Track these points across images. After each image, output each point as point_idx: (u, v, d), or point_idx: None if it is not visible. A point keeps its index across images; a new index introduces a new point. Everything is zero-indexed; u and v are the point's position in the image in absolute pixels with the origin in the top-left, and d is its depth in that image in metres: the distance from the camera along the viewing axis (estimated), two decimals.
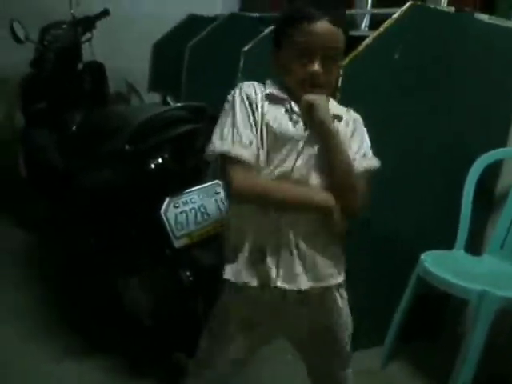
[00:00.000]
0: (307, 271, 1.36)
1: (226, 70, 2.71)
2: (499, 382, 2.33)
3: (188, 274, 1.95)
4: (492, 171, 2.52)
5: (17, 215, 3.35)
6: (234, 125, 1.31)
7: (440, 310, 2.63)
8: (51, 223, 3.04)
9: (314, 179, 1.34)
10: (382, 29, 2.10)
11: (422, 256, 2.26)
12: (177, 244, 1.94)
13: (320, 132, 1.32)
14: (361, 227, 2.21)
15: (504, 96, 2.53)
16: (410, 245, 2.34)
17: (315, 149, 1.33)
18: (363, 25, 2.83)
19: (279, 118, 1.32)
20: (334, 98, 1.44)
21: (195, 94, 3.00)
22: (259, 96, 1.34)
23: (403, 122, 2.27)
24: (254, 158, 1.30)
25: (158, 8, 3.92)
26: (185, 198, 1.99)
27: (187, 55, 3.34)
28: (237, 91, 1.35)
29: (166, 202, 1.95)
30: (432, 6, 2.27)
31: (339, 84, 1.97)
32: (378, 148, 1.44)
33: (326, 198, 1.32)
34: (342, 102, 1.44)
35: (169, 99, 3.05)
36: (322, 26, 1.28)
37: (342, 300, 1.46)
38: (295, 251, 1.34)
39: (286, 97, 1.34)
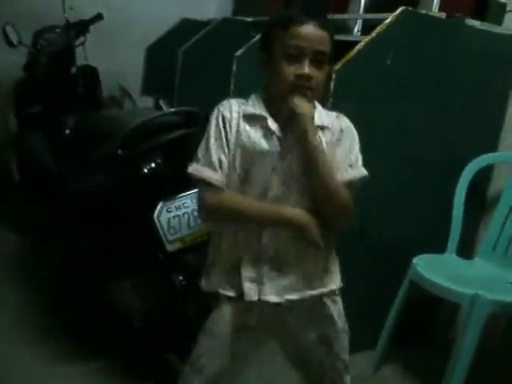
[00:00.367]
0: (288, 283, 1.38)
1: (219, 74, 2.71)
2: None
3: (181, 277, 1.95)
4: (483, 176, 2.54)
5: (11, 219, 3.34)
6: (207, 148, 1.35)
7: (432, 313, 2.64)
8: (45, 227, 3.03)
9: (294, 195, 1.35)
10: (374, 34, 2.11)
11: (414, 260, 2.27)
12: (170, 248, 1.95)
13: (300, 142, 1.32)
14: (353, 232, 2.22)
15: (495, 101, 2.55)
16: (402, 249, 2.35)
17: (292, 164, 1.34)
18: (356, 30, 2.84)
19: (254, 136, 1.34)
20: (323, 103, 1.44)
21: (188, 99, 2.99)
22: (235, 116, 1.36)
23: (395, 127, 2.28)
24: (223, 180, 1.34)
25: (152, 12, 3.92)
26: (178, 202, 1.99)
27: (180, 59, 3.34)
28: (215, 112, 1.38)
29: (158, 207, 1.95)
30: (423, 12, 2.29)
31: (331, 89, 1.98)
32: (369, 153, 1.45)
33: (297, 215, 1.33)
34: (334, 107, 1.45)
35: (161, 103, 3.06)
36: (310, 29, 1.29)
37: (334, 307, 1.47)
38: (275, 264, 1.37)
39: (263, 114, 1.35)
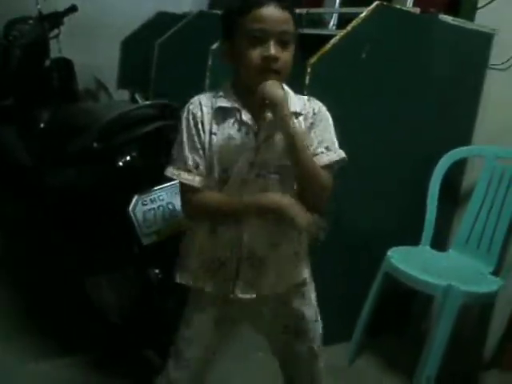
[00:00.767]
0: (264, 280, 1.40)
1: (195, 67, 2.71)
2: (463, 375, 2.38)
3: (157, 271, 1.95)
4: (457, 169, 2.57)
5: None
6: (180, 149, 1.36)
7: (406, 305, 2.67)
8: (19, 222, 3.00)
9: (274, 186, 1.35)
10: (349, 28, 2.13)
11: (389, 252, 2.30)
12: (145, 241, 1.94)
13: (280, 130, 1.31)
14: (327, 224, 2.23)
15: (468, 95, 2.59)
16: (376, 241, 2.37)
17: (267, 156, 1.34)
18: (331, 24, 2.85)
19: (228, 131, 1.33)
20: (295, 88, 1.43)
21: (164, 92, 2.98)
22: (206, 112, 1.35)
23: (370, 120, 2.30)
24: (200, 180, 1.34)
25: (127, 4, 3.88)
26: (153, 195, 1.98)
27: (156, 52, 3.32)
28: (185, 111, 1.37)
29: (134, 200, 1.94)
30: (398, 7, 2.31)
31: (306, 83, 1.99)
32: (343, 146, 1.45)
33: (274, 199, 1.33)
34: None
35: (137, 96, 3.04)
36: (271, 10, 1.28)
37: (303, 300, 1.49)
38: (253, 261, 1.37)
39: (235, 105, 1.34)
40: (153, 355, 2.11)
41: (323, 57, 2.07)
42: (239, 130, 1.33)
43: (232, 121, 1.34)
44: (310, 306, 1.50)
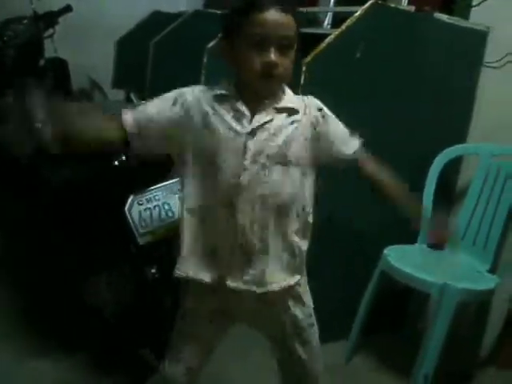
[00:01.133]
0: (258, 274, 1.37)
1: (191, 66, 2.70)
2: (460, 373, 2.38)
3: (153, 270, 1.94)
4: (452, 167, 2.57)
5: None
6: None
7: (403, 303, 2.68)
8: (15, 221, 2.99)
9: (272, 168, 1.33)
10: (343, 27, 2.13)
11: (385, 251, 2.30)
12: (141, 241, 1.93)
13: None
14: (323, 222, 2.23)
15: (463, 94, 2.59)
16: (373, 239, 2.38)
17: (265, 145, 1.32)
18: (326, 22, 2.86)
19: (222, 117, 1.32)
20: (291, 87, 1.42)
21: (159, 91, 2.96)
22: (199, 97, 1.34)
23: (365, 119, 2.29)
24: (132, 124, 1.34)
25: (122, 4, 3.88)
26: (149, 195, 1.98)
27: (151, 52, 3.32)
28: (176, 91, 1.38)
29: (129, 200, 1.94)
30: (393, 5, 2.31)
31: (301, 82, 1.99)
32: None
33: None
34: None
35: (132, 96, 3.03)
36: (273, 14, 1.25)
37: (300, 301, 1.48)
38: (250, 253, 1.35)
39: (233, 95, 1.33)
40: (149, 354, 2.11)
41: (318, 56, 2.07)
42: (234, 117, 1.32)
43: (227, 107, 1.33)
44: (306, 309, 1.49)
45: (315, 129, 1.38)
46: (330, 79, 2.14)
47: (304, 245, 1.43)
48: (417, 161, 2.49)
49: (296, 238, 1.41)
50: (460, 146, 2.56)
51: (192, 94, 1.35)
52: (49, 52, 3.15)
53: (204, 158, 1.33)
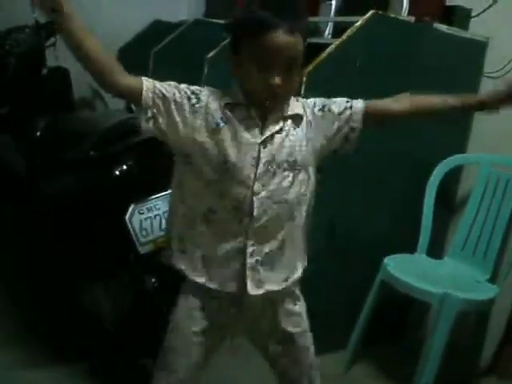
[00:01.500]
0: (268, 275, 1.37)
1: (191, 76, 2.70)
2: (460, 382, 2.38)
3: (153, 280, 1.94)
4: (452, 177, 2.58)
5: None
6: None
7: (403, 313, 2.68)
8: (15, 230, 2.99)
9: (282, 175, 1.33)
10: (344, 37, 2.14)
11: (385, 260, 2.30)
12: (142, 250, 1.94)
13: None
14: (325, 233, 2.24)
15: None
16: (373, 249, 2.38)
17: (276, 153, 1.32)
18: (327, 32, 2.87)
19: (234, 124, 1.30)
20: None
21: None
22: (213, 99, 1.32)
23: None
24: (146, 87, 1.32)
25: (123, 13, 3.89)
26: (149, 204, 1.98)
27: (152, 61, 3.32)
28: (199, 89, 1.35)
29: (130, 209, 1.94)
30: (393, 16, 2.32)
31: (301, 92, 2.00)
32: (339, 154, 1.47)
33: None
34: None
35: (133, 105, 3.03)
36: (282, 36, 1.23)
37: (297, 306, 1.47)
38: (251, 259, 1.35)
39: (244, 102, 1.32)
40: (148, 363, 2.10)
41: (319, 65, 2.08)
42: (246, 125, 1.31)
43: (239, 115, 1.31)
44: (302, 314, 1.49)
45: (311, 124, 1.39)
46: (330, 88, 2.14)
47: (304, 242, 1.45)
48: (417, 170, 2.49)
49: (300, 237, 1.43)
50: (460, 155, 2.57)
51: (206, 96, 1.34)
52: (50, 61, 3.15)
53: (213, 165, 1.31)
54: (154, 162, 2.03)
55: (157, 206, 1.99)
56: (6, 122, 3.01)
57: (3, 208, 3.00)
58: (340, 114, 1.42)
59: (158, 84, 1.35)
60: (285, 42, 1.24)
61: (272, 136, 1.32)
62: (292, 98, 1.39)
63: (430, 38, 2.38)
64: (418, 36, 2.35)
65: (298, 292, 1.49)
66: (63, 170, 2.18)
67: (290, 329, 1.47)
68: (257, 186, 1.31)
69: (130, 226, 1.93)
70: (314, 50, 2.13)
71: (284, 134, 1.34)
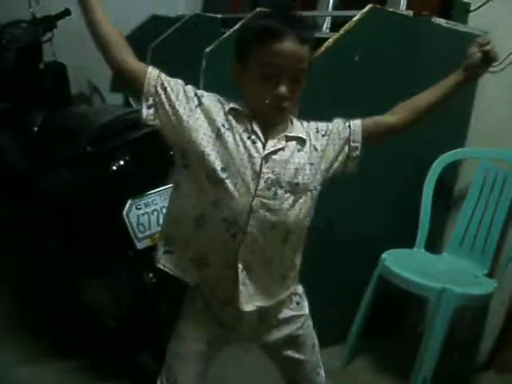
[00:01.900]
0: (263, 289, 1.36)
1: (189, 70, 2.69)
2: (458, 377, 2.38)
3: (151, 275, 1.94)
4: (451, 171, 2.58)
5: None
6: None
7: (401, 308, 2.68)
8: (12, 226, 2.99)
9: (283, 196, 1.30)
10: (342, 31, 2.13)
11: (383, 255, 2.30)
12: (139, 246, 1.93)
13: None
14: (323, 227, 2.24)
15: (461, 97, 2.58)
16: (371, 244, 2.38)
17: (276, 167, 1.28)
18: (324, 27, 2.86)
19: (237, 135, 1.27)
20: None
21: None
22: (216, 105, 1.29)
23: None
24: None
25: (120, 8, 3.85)
26: (147, 199, 1.98)
27: (150, 56, 3.31)
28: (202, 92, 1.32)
29: (127, 204, 1.94)
30: (391, 10, 2.31)
31: None
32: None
33: None
34: (300, 104, 1.42)
35: (131, 100, 3.03)
36: (290, 46, 1.21)
37: (298, 307, 1.47)
38: (245, 273, 1.33)
39: (248, 113, 1.29)
40: (147, 358, 2.10)
41: (316, 60, 2.06)
42: (249, 137, 1.28)
43: (242, 126, 1.28)
44: (305, 313, 1.49)
45: (316, 149, 1.37)
46: (328, 82, 2.14)
47: (299, 257, 1.44)
48: (415, 165, 2.49)
49: (297, 255, 1.42)
50: (458, 150, 2.57)
51: (210, 100, 1.30)
52: (47, 56, 3.15)
53: (211, 171, 1.27)
54: (152, 157, 2.03)
55: (154, 202, 1.99)
56: (3, 117, 3.00)
57: (1, 204, 3.00)
58: (339, 133, 1.42)
59: (163, 75, 1.32)
60: (295, 51, 1.23)
61: (275, 153, 1.29)
62: (295, 119, 1.37)
63: (428, 32, 2.37)
64: (416, 30, 2.35)
65: (297, 295, 1.47)
66: (60, 165, 2.17)
67: (292, 331, 1.46)
68: (255, 203, 1.28)
69: (127, 221, 1.93)
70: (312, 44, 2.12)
71: (288, 153, 1.31)
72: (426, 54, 2.39)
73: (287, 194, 1.30)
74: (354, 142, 1.43)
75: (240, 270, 1.31)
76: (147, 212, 1.96)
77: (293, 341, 1.47)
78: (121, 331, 2.08)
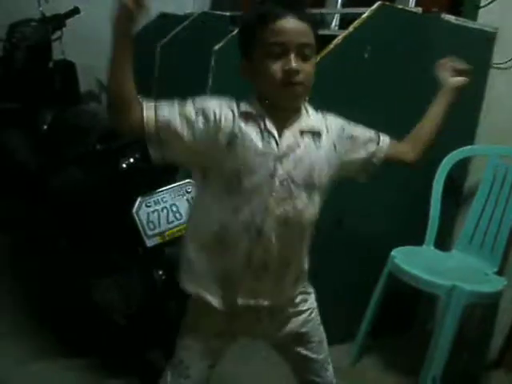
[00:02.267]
0: (270, 293, 1.37)
1: (198, 68, 2.70)
2: (468, 375, 2.37)
3: (160, 272, 1.95)
4: (460, 169, 2.57)
5: None
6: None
7: (410, 305, 2.67)
8: (23, 224, 3.00)
9: (300, 200, 1.31)
10: (351, 28, 2.13)
11: (393, 252, 2.29)
12: (149, 243, 1.94)
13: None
14: (332, 225, 2.23)
15: (471, 94, 2.57)
16: (380, 241, 2.37)
17: (291, 169, 1.29)
18: (333, 24, 2.86)
19: (250, 137, 1.27)
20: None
21: (166, 93, 2.97)
22: (227, 111, 1.29)
23: (373, 120, 2.28)
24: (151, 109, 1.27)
25: None
26: (156, 197, 1.98)
27: (158, 54, 3.32)
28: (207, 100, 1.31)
29: (137, 202, 1.94)
30: (400, 7, 2.31)
31: None
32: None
33: None
34: (310, 102, 1.43)
35: (139, 98, 3.03)
36: (290, 22, 1.24)
37: (306, 304, 1.47)
38: (259, 273, 1.34)
39: (260, 113, 1.29)
40: (157, 356, 2.11)
41: (325, 57, 2.07)
42: (262, 137, 1.28)
43: (255, 127, 1.28)
44: (313, 310, 1.49)
45: (335, 148, 1.37)
46: (337, 80, 2.14)
47: (307, 261, 1.45)
48: (424, 162, 2.47)
49: (306, 253, 1.42)
50: (468, 147, 2.56)
51: (219, 107, 1.29)
52: (56, 54, 3.16)
53: (229, 178, 1.28)
54: None
55: (164, 199, 1.99)
56: (14, 115, 3.02)
57: (12, 202, 3.02)
58: (365, 143, 1.44)
59: (160, 110, 1.29)
60: (295, 27, 1.25)
61: (289, 151, 1.29)
62: (311, 109, 1.37)
63: (437, 29, 2.36)
64: (425, 27, 2.34)
65: (305, 292, 1.48)
66: (70, 163, 2.18)
67: (299, 327, 1.47)
68: (271, 203, 1.29)
69: (137, 219, 1.93)
70: (321, 41, 2.12)
71: (303, 150, 1.31)
72: (435, 51, 2.37)
73: (302, 192, 1.31)
74: (375, 158, 1.46)
75: (256, 268, 1.33)
76: (157, 209, 1.96)
77: (301, 337, 1.47)
78: (131, 329, 2.09)
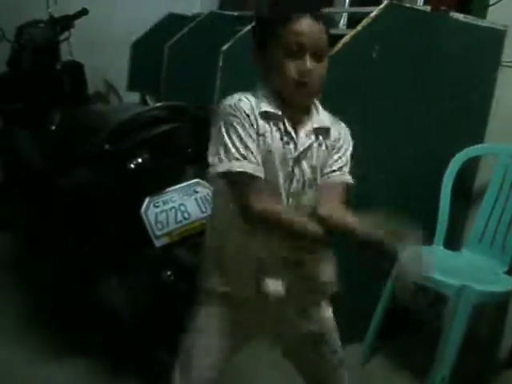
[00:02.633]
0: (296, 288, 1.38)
1: (206, 69, 2.71)
2: (478, 375, 2.36)
3: (169, 272, 1.95)
4: (470, 167, 2.55)
5: None
6: (226, 144, 1.25)
7: (420, 305, 2.65)
8: (30, 224, 3.01)
9: (307, 194, 1.34)
10: (359, 27, 2.12)
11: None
12: (157, 243, 1.94)
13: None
14: None
15: (480, 93, 2.57)
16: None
17: (306, 168, 1.33)
18: (341, 23, 2.85)
19: (271, 138, 1.29)
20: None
21: (174, 94, 2.98)
22: (252, 110, 1.29)
23: (381, 119, 2.28)
24: (259, 169, 1.26)
25: (137, 7, 3.90)
26: (165, 197, 1.99)
27: (166, 54, 3.32)
28: (227, 107, 1.28)
29: (146, 202, 1.95)
30: (408, 5, 2.30)
31: None
32: (356, 146, 1.45)
33: (316, 228, 1.27)
34: (319, 100, 1.43)
35: (148, 98, 3.05)
36: (308, 24, 1.26)
37: (327, 307, 1.50)
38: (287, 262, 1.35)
39: (279, 113, 1.30)
40: (164, 355, 2.11)
41: (334, 56, 2.05)
42: (281, 138, 1.31)
43: (275, 128, 1.30)
44: (330, 313, 1.51)
45: (327, 149, 1.38)
46: (345, 79, 2.13)
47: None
48: (434, 161, 2.47)
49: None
50: (478, 146, 2.54)
51: (249, 107, 1.29)
52: (65, 55, 3.17)
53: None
54: (170, 154, 2.03)
55: (172, 199, 2.00)
56: (22, 116, 3.03)
57: (20, 202, 3.03)
58: (335, 161, 1.39)
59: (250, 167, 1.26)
60: (312, 29, 1.27)
61: (305, 152, 1.33)
62: (321, 108, 1.39)
63: (446, 27, 2.35)
64: (434, 26, 2.32)
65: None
66: (79, 163, 2.19)
67: (316, 330, 1.48)
68: (290, 203, 1.33)
69: (145, 219, 1.94)
70: (329, 41, 2.11)
71: (315, 150, 1.35)
72: (444, 50, 2.37)
73: (310, 189, 1.35)
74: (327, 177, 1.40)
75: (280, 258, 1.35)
76: (165, 209, 1.97)
77: (320, 337, 1.49)
78: (139, 329, 2.09)
